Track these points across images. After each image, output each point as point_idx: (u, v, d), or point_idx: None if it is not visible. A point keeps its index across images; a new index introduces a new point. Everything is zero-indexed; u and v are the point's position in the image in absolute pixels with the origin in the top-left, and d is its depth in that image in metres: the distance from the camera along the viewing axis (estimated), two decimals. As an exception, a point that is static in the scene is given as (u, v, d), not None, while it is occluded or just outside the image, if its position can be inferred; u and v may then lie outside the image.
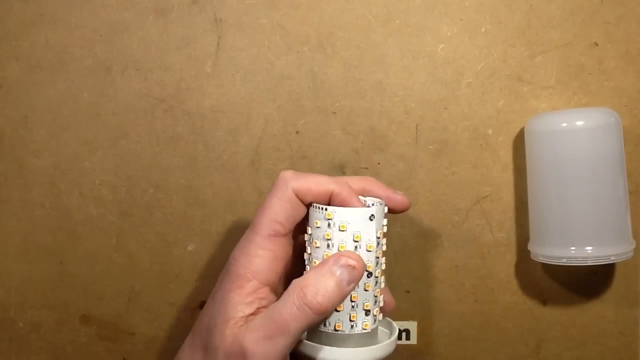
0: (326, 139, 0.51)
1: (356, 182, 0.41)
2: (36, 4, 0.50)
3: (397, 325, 0.41)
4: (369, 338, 0.39)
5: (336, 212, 0.38)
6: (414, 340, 0.52)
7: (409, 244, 0.51)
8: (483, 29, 0.50)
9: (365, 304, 0.38)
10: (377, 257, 0.39)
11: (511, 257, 0.51)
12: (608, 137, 0.46)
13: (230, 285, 0.38)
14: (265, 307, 0.37)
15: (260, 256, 0.38)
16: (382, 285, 0.40)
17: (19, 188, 0.52)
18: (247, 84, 0.50)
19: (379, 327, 0.41)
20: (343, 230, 0.38)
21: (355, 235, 0.38)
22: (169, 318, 0.52)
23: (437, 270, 0.51)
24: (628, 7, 0.49)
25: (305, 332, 0.39)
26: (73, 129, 0.51)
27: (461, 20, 0.50)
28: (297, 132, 0.51)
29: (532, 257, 0.49)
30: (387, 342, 0.39)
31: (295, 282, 0.36)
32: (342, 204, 0.38)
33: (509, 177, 0.51)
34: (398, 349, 0.52)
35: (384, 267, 0.40)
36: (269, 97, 0.50)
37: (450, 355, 0.52)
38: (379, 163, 0.51)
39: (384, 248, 0.40)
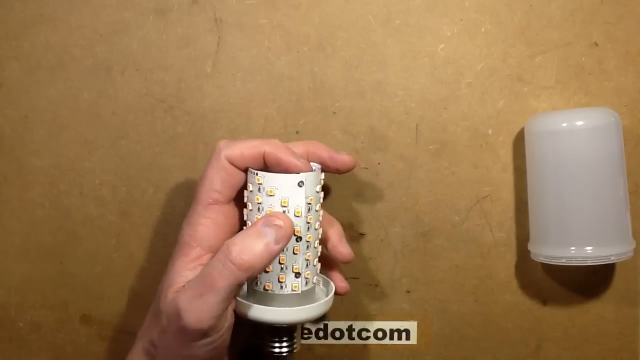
0: (326, 139, 0.51)
1: (299, 147, 0.42)
2: (36, 4, 0.50)
3: (334, 286, 0.43)
4: (300, 299, 0.40)
5: (265, 177, 0.38)
6: (414, 340, 0.52)
7: (409, 244, 0.51)
8: (483, 29, 0.50)
9: (295, 266, 0.39)
10: (308, 223, 0.39)
11: (511, 257, 0.51)
12: (608, 137, 0.46)
13: (177, 253, 0.40)
14: None
15: (203, 224, 0.39)
16: (318, 251, 0.41)
17: (19, 188, 0.52)
18: (247, 84, 0.50)
19: (322, 289, 0.43)
20: (271, 195, 0.38)
21: (283, 201, 0.38)
22: (169, 318, 0.52)
23: (437, 270, 0.51)
24: (628, 7, 0.49)
25: (244, 291, 0.41)
26: (73, 129, 0.51)
27: (461, 20, 0.50)
28: (297, 132, 0.51)
29: (532, 257, 0.49)
30: (315, 304, 0.40)
31: (226, 242, 0.37)
32: (277, 164, 0.39)
33: (509, 177, 0.51)
34: (398, 349, 0.52)
35: (320, 233, 0.41)
36: (269, 97, 0.50)
37: (450, 355, 0.52)
38: (379, 163, 0.51)
39: (320, 213, 0.41)
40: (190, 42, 0.50)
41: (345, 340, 0.52)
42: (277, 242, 0.37)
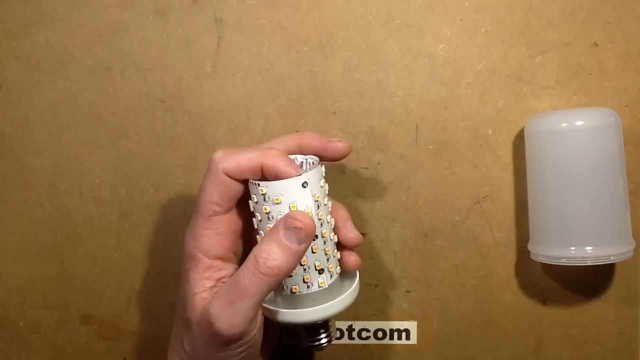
0: (326, 139, 0.51)
1: (290, 141, 0.42)
2: (36, 4, 0.50)
3: (357, 271, 0.43)
4: (328, 293, 0.40)
5: (268, 187, 0.38)
6: (414, 340, 0.52)
7: (409, 244, 0.51)
8: (483, 29, 0.50)
9: (317, 264, 0.39)
10: (320, 219, 0.39)
11: (511, 257, 0.51)
12: (608, 137, 0.46)
13: (188, 264, 0.40)
14: (224, 276, 0.40)
15: (206, 235, 0.40)
16: (334, 240, 0.41)
17: (19, 188, 0.52)
18: (247, 84, 0.50)
19: (345, 279, 0.43)
20: (278, 203, 0.38)
21: (291, 205, 0.38)
22: (169, 318, 0.52)
23: (437, 270, 0.51)
24: (628, 7, 0.49)
25: (270, 296, 0.41)
26: (73, 129, 0.51)
27: (461, 20, 0.50)
28: (297, 132, 0.51)
29: (532, 257, 0.49)
30: (344, 295, 0.40)
31: (253, 249, 0.38)
32: (276, 175, 0.38)
33: (509, 177, 0.51)
34: (398, 349, 0.52)
35: (333, 223, 0.41)
36: (269, 97, 0.51)
37: (450, 355, 0.52)
38: (379, 163, 0.51)
39: (329, 205, 0.41)
40: (190, 42, 0.50)
41: (345, 340, 0.52)
42: (300, 242, 0.37)
